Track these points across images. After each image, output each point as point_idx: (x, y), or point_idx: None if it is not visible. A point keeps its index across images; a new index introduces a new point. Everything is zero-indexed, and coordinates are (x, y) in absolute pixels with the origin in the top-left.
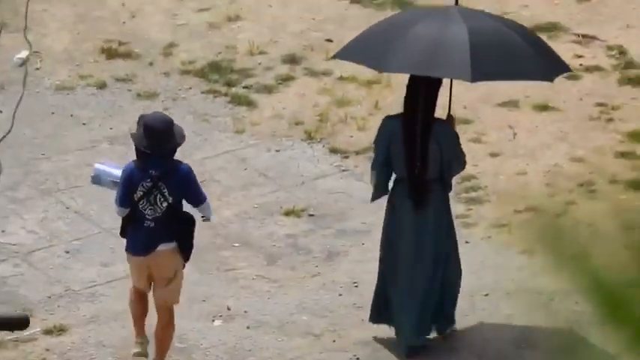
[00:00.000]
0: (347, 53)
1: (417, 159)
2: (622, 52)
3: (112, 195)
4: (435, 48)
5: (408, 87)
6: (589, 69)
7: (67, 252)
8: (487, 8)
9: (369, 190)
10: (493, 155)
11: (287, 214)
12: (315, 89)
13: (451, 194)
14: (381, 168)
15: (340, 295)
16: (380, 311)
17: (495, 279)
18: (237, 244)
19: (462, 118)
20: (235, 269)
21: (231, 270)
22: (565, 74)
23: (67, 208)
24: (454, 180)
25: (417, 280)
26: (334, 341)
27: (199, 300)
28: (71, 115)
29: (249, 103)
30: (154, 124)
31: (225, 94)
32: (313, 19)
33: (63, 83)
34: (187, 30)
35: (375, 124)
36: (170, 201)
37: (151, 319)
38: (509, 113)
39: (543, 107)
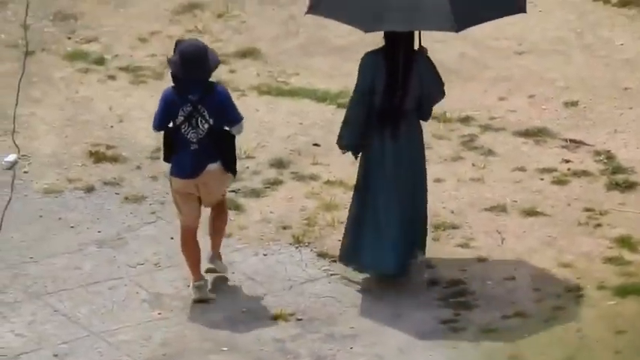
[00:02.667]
0: (322, 10)
1: (398, 89)
2: (610, 157)
3: (99, 297)
4: (414, 1)
5: None
6: (577, 174)
7: (56, 355)
8: (475, 115)
9: (357, 295)
10: (481, 260)
11: (275, 318)
12: (303, 193)
13: (439, 298)
14: (362, 97)
15: None
16: (349, 252)
17: None
18: (225, 348)
19: (450, 223)
20: None
21: None
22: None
23: (55, 311)
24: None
25: (395, 208)
26: None
27: None
28: (59, 219)
29: (237, 208)
30: (188, 51)
31: None
32: (300, 123)
33: (51, 187)
34: None
35: None
36: (211, 122)
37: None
38: (497, 218)
39: (531, 212)
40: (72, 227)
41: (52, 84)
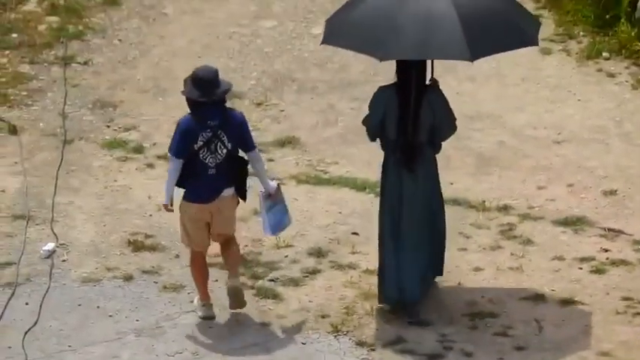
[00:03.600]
0: (336, 40)
1: (409, 123)
2: None
3: None
4: (428, 29)
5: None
6: (615, 263)
7: None
8: (514, 203)
9: None
10: (519, 349)
11: None
12: (342, 282)
13: None
14: (375, 130)
15: None
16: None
17: None
18: None
19: (488, 311)
20: None
21: None
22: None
23: None
24: None
25: (413, 237)
26: None
27: None
28: (97, 307)
29: (276, 296)
30: (201, 75)
31: (252, 287)
32: (340, 212)
33: (89, 275)
34: None
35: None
36: (229, 147)
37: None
38: (535, 307)
39: (569, 301)
40: (110, 316)
41: (90, 173)
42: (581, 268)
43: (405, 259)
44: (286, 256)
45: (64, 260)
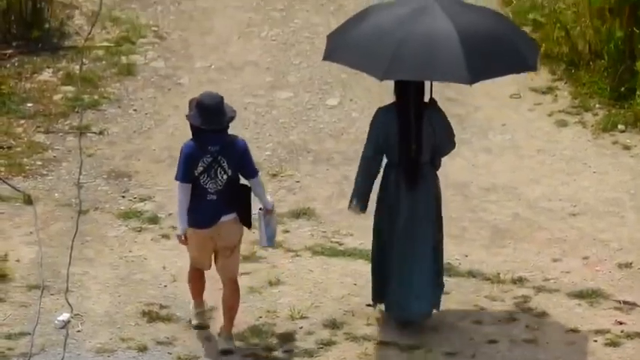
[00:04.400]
0: (338, 57)
1: (411, 143)
2: None
3: None
4: (428, 50)
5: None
6: (630, 335)
7: None
8: (529, 276)
9: None
10: None
11: None
12: (356, 354)
13: None
14: (370, 162)
15: None
16: (380, 291)
17: None
18: None
19: None
20: None
21: None
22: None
23: None
24: None
25: (414, 254)
26: None
27: None
28: None
29: None
30: (206, 102)
31: (266, 358)
32: (354, 284)
33: (104, 346)
34: None
35: None
36: (230, 174)
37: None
38: None
39: None
40: None
41: (105, 243)
42: (596, 341)
43: (403, 281)
44: (301, 328)
45: (78, 331)
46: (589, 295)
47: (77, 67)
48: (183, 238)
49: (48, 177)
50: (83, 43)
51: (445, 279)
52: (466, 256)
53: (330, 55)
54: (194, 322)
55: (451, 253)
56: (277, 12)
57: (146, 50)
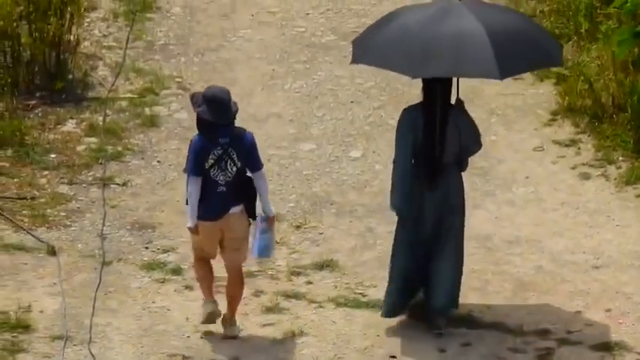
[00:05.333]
0: (367, 59)
1: (436, 142)
2: None
3: None
4: (458, 47)
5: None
6: None
7: None
8: (552, 328)
9: None
10: None
11: None
12: None
13: None
14: (405, 167)
15: None
16: (395, 305)
17: None
18: None
19: None
20: None
21: None
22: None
23: None
24: None
25: (440, 253)
26: None
27: None
28: None
29: None
30: (218, 97)
31: None
32: (378, 335)
33: None
34: (250, 344)
35: None
36: (239, 165)
37: None
38: None
39: None
40: None
41: (128, 294)
42: None
43: (435, 278)
44: None
45: None
46: (612, 348)
47: (101, 118)
48: (194, 230)
49: (71, 228)
50: (107, 94)
51: (467, 330)
52: (489, 307)
53: (358, 59)
54: (205, 311)
55: (474, 305)
56: (300, 64)
57: (170, 102)
